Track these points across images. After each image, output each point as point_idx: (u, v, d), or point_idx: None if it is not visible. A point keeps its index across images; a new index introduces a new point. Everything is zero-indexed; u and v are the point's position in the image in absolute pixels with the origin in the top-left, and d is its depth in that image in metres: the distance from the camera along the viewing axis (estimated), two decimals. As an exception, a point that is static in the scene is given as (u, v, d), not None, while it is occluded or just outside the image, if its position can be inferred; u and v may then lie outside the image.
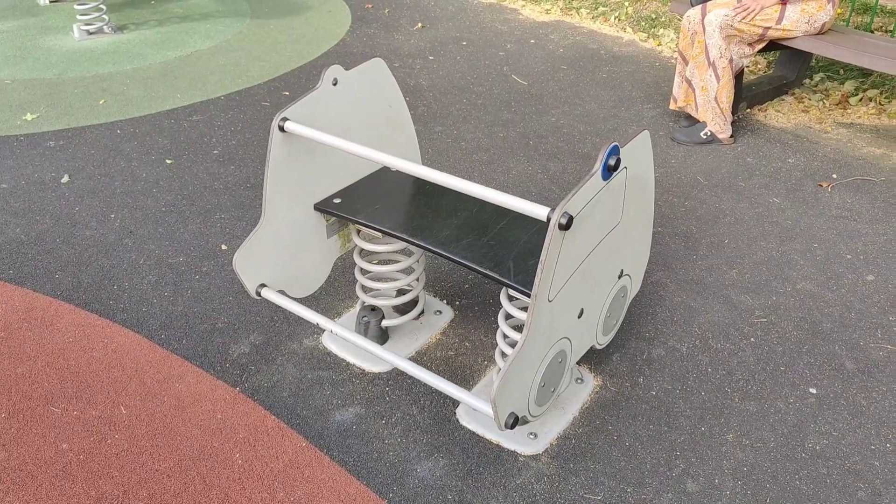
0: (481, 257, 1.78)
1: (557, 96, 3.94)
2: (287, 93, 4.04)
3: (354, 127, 2.04)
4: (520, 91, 4.02)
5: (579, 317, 1.73)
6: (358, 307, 2.29)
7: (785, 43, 3.26)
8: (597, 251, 1.69)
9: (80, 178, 3.22)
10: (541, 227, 1.88)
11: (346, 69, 1.97)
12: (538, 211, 1.46)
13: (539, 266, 1.47)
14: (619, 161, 1.56)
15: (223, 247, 2.73)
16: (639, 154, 1.69)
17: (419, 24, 5.08)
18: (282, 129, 1.83)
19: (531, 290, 1.62)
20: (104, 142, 3.53)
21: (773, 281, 2.47)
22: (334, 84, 1.94)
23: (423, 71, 4.30)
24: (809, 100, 3.75)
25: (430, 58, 4.50)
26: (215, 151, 3.43)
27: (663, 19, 4.77)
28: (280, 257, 2.00)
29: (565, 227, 1.44)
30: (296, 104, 1.85)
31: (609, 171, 1.55)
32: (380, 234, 1.95)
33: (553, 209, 1.45)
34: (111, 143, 3.52)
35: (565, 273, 1.57)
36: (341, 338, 2.03)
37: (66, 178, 3.22)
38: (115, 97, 3.99)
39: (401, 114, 2.18)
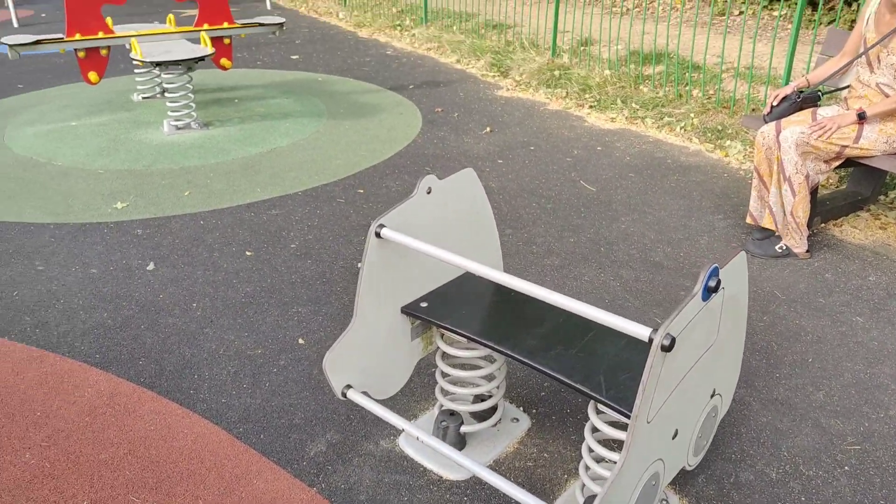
0: (570, 370, 1.78)
1: (626, 203, 3.98)
2: (361, 190, 4.18)
3: (443, 232, 2.09)
4: (588, 197, 4.08)
5: (674, 438, 1.69)
6: (435, 410, 2.28)
7: (862, 161, 3.27)
8: (693, 371, 1.67)
9: (165, 267, 3.35)
10: (630, 340, 1.87)
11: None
12: (639, 331, 1.46)
13: (640, 387, 1.46)
14: (718, 283, 1.56)
15: (300, 341, 2.77)
16: (736, 275, 1.69)
17: (488, 129, 5.26)
18: (378, 234, 1.89)
19: (625, 408, 1.60)
20: (188, 232, 3.69)
21: (864, 405, 2.38)
22: (428, 192, 2.01)
23: (493, 174, 4.42)
24: (886, 216, 3.71)
25: (500, 161, 4.63)
26: (293, 245, 3.54)
27: (730, 131, 4.84)
28: (366, 359, 2.02)
29: (668, 348, 1.43)
30: (392, 212, 1.92)
31: (709, 293, 1.55)
32: (465, 339, 1.97)
33: (655, 330, 1.45)
34: (195, 234, 3.67)
35: (664, 394, 1.55)
36: (420, 442, 2.02)
37: (151, 266, 3.36)
38: (199, 189, 4.19)
39: (487, 221, 2.24)
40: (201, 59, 4.75)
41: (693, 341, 1.60)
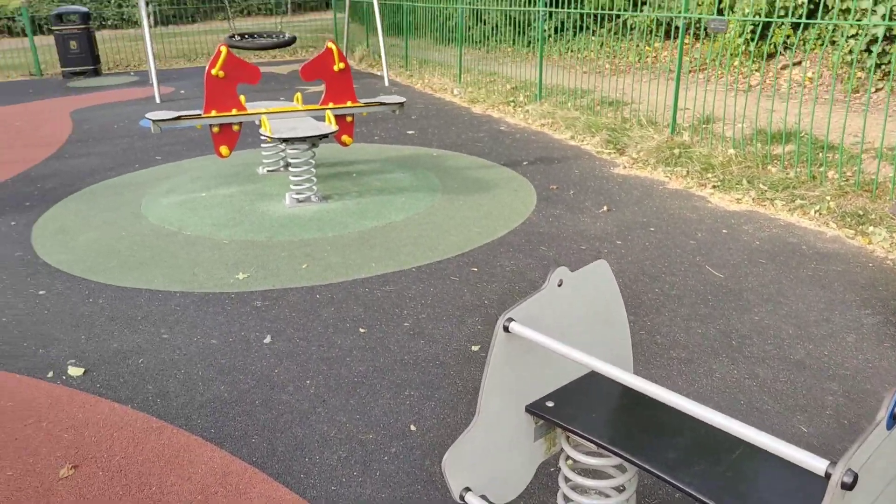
0: (719, 491, 1.58)
1: (758, 293, 3.71)
2: (475, 269, 4.12)
3: (572, 328, 1.97)
4: (716, 284, 3.83)
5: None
6: (556, 519, 2.11)
7: None
8: (872, 509, 1.44)
9: (281, 340, 3.37)
10: (786, 463, 1.65)
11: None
12: (813, 463, 1.27)
13: (815, 529, 1.26)
14: (905, 408, 1.34)
15: (412, 427, 2.68)
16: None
17: (605, 207, 5.12)
18: (507, 329, 1.79)
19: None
20: (304, 305, 3.72)
21: None
22: (559, 285, 1.90)
23: (612, 256, 4.25)
24: None
25: (618, 242, 4.47)
26: (406, 324, 3.50)
27: (873, 216, 4.48)
28: (487, 459, 1.90)
29: (849, 486, 1.23)
30: (521, 305, 1.82)
31: (894, 420, 1.34)
32: (595, 445, 1.81)
33: (832, 463, 1.25)
34: (310, 307, 3.70)
35: (840, 537, 1.33)
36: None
37: (268, 339, 3.39)
38: (316, 262, 4.26)
39: (619, 317, 2.09)
40: (325, 136, 4.92)
41: (875, 473, 1.38)
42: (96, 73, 13.56)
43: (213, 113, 5.22)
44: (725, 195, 5.25)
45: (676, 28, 11.07)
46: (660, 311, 3.55)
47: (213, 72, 5.13)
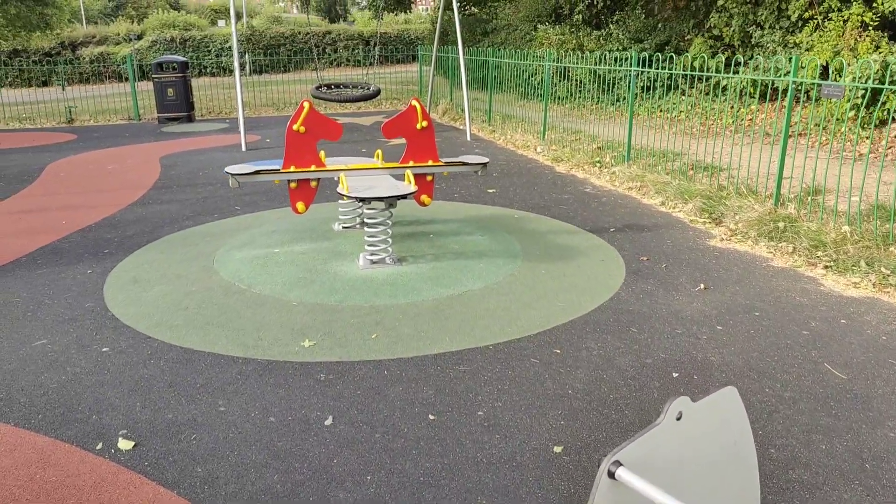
0: None
1: (892, 401, 3.19)
2: (558, 351, 3.75)
3: (691, 468, 1.59)
4: (838, 386, 3.34)
5: None
6: None
7: None
8: None
9: (343, 423, 3.08)
10: None
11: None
12: None
13: None
14: None
15: (483, 549, 2.32)
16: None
17: (701, 285, 4.67)
18: (612, 475, 1.43)
19: None
20: (371, 382, 3.44)
21: None
22: (678, 419, 1.53)
23: (711, 343, 3.81)
24: None
25: (719, 328, 4.02)
26: (480, 413, 3.16)
27: None
28: None
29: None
30: (631, 445, 1.46)
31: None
32: None
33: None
34: (377, 385, 3.41)
35: None
36: None
37: (329, 421, 3.11)
38: (387, 332, 3.99)
39: (748, 456, 1.70)
40: (403, 196, 4.70)
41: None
42: (189, 119, 14.02)
43: (292, 168, 5.11)
44: (840, 278, 4.72)
45: (774, 90, 10.53)
46: (772, 417, 3.08)
47: (295, 127, 5.03)
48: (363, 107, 16.04)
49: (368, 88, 12.40)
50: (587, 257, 5.26)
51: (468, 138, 11.37)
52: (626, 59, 8.95)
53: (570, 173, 8.59)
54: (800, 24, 9.55)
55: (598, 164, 8.67)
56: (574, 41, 14.54)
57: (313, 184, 5.20)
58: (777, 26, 9.69)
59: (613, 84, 13.72)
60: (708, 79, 10.99)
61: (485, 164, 5.50)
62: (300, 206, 5.19)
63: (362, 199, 4.68)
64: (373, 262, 4.98)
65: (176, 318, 4.23)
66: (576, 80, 14.19)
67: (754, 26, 10.23)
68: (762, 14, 9.83)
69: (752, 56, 10.49)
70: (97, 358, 3.76)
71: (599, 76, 13.82)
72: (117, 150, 10.84)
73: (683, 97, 12.16)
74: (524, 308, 4.31)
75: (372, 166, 5.32)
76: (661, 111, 11.94)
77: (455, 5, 11.81)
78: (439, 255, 5.23)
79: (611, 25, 14.65)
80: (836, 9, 8.64)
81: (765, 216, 5.82)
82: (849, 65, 8.56)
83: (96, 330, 4.11)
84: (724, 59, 7.91)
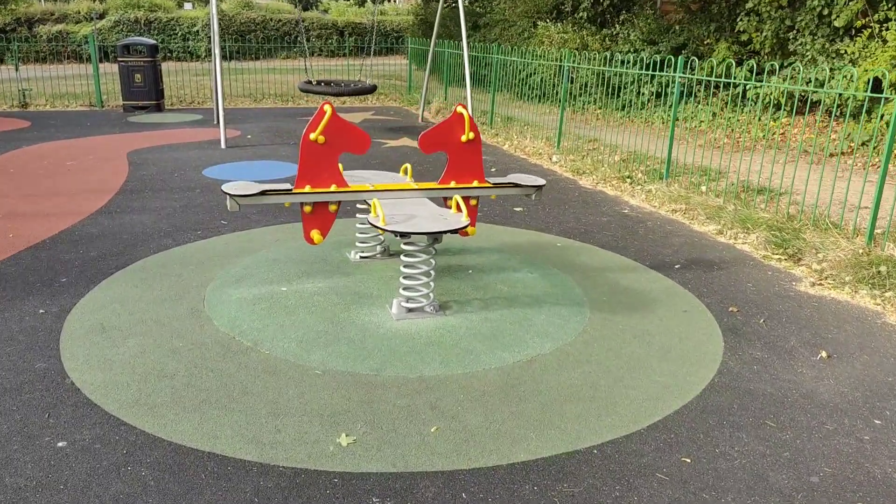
0: None
1: None
2: (687, 459, 2.79)
3: None
4: None
5: None
6: None
7: None
8: None
9: None
10: None
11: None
12: None
13: None
14: None
15: None
16: None
17: (822, 353, 3.76)
18: None
19: None
20: (447, 515, 2.43)
21: None
22: None
23: (881, 448, 2.89)
24: None
25: (876, 422, 3.10)
26: (619, 578, 2.17)
27: None
28: None
29: None
30: None
31: None
32: None
33: None
34: (458, 521, 2.40)
35: None
36: None
37: None
38: (448, 422, 2.98)
39: None
40: (455, 231, 3.69)
41: None
42: (159, 108, 12.74)
43: (307, 189, 4.05)
44: None
45: (814, 103, 9.62)
46: None
47: (312, 136, 3.97)
48: (347, 102, 14.91)
49: (364, 84, 11.31)
50: (665, 306, 4.31)
51: (471, 142, 10.35)
52: (661, 62, 8.08)
53: (598, 189, 7.65)
54: (842, 33, 8.76)
55: (628, 180, 7.75)
56: (578, 40, 13.62)
57: (332, 208, 4.15)
58: (818, 34, 8.88)
59: (619, 88, 12.84)
60: (735, 86, 10.16)
61: (540, 188, 4.51)
62: (315, 235, 4.14)
63: (402, 235, 3.66)
64: (409, 310, 3.96)
65: (159, 391, 3.16)
66: (581, 83, 13.29)
67: (792, 32, 9.41)
68: (802, 20, 9.01)
69: (783, 64, 9.69)
70: (49, 460, 2.68)
71: (606, 79, 12.94)
72: (78, 141, 9.56)
73: (701, 106, 11.33)
74: (616, 385, 3.33)
75: (405, 187, 4.28)
76: (681, 121, 11.07)
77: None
78: (488, 301, 4.22)
79: (617, 25, 13.77)
80: (894, 18, 7.85)
81: (859, 257, 4.95)
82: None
83: (49, 408, 3.02)
84: (754, 65, 7.03)
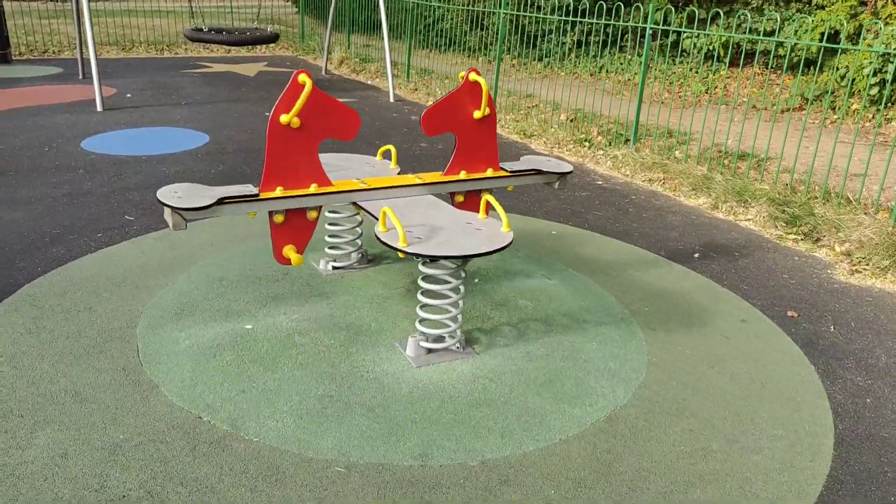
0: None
1: None
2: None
3: None
4: None
5: None
6: None
7: None
8: None
9: None
10: None
11: None
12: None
13: None
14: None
15: None
16: None
17: (925, 371, 3.17)
18: None
19: None
20: None
21: None
22: None
23: None
24: None
25: None
26: None
27: None
28: None
29: None
30: None
31: None
32: None
33: None
34: None
35: None
36: None
37: None
38: (553, 542, 2.09)
39: None
40: (499, 250, 2.72)
41: None
42: (5, 59, 10.61)
43: (279, 192, 2.93)
44: None
45: (752, 54, 9.16)
46: None
47: (285, 119, 2.84)
48: (233, 51, 13.20)
49: (265, 31, 9.81)
50: (718, 315, 3.58)
51: (391, 100, 9.24)
52: (634, 10, 7.30)
53: (556, 154, 6.84)
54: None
55: (586, 144, 6.99)
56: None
57: (312, 215, 3.06)
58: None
59: (537, 38, 12.03)
60: (666, 35, 9.58)
61: (564, 175, 3.60)
62: (291, 254, 3.04)
63: (433, 259, 2.66)
64: (428, 351, 2.98)
65: (106, 531, 2.05)
66: (491, 30, 12.34)
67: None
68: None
69: (727, 12, 9.17)
70: None
71: (521, 27, 12.07)
72: None
73: (629, 57, 10.72)
74: (732, 448, 2.56)
75: (405, 181, 3.25)
76: (612, 74, 10.41)
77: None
78: (519, 327, 3.31)
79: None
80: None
81: (890, 237, 4.43)
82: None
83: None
84: (695, 12, 6.41)
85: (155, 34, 13.76)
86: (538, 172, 3.52)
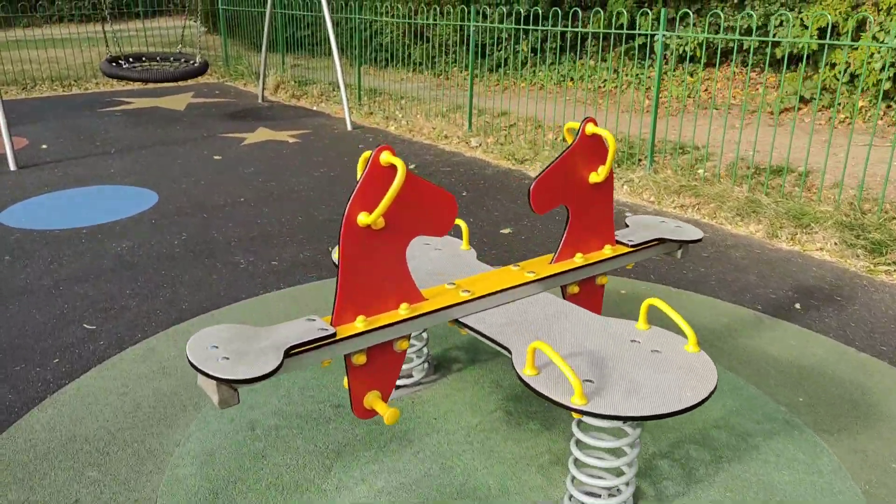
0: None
1: None
2: None
3: None
4: None
5: None
6: None
7: None
8: None
9: None
10: None
11: None
12: None
13: None
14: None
15: None
16: None
17: None
18: None
19: None
20: None
21: None
22: None
23: None
24: None
25: None
26: None
27: None
28: None
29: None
30: None
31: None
32: None
33: None
34: None
35: None
36: None
37: None
38: None
39: None
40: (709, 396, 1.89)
41: None
42: None
43: (360, 323, 2.00)
44: None
45: (730, 52, 8.49)
46: None
47: (366, 220, 1.92)
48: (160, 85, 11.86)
49: (191, 62, 8.65)
50: (889, 398, 2.86)
51: (349, 128, 8.27)
52: (642, 17, 6.57)
53: (564, 183, 6.06)
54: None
55: (592, 167, 6.24)
56: (427, -7, 11.77)
57: (402, 346, 2.14)
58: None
59: (485, 48, 11.28)
60: (636, 37, 9.00)
61: (684, 245, 2.80)
62: (376, 403, 2.11)
63: (628, 420, 1.80)
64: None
65: None
66: (437, 43, 11.52)
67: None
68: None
69: (689, 13, 8.65)
70: None
71: (468, 37, 11.28)
72: None
73: (591, 61, 10.11)
74: None
75: (515, 280, 2.36)
76: (577, 81, 9.76)
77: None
78: (679, 459, 2.48)
79: (469, -27, 12.08)
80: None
81: None
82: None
83: None
84: (663, 13, 5.83)
85: (59, 67, 12.25)
86: (661, 241, 2.70)
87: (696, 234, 2.74)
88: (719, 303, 3.74)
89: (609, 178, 2.51)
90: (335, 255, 2.57)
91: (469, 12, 7.72)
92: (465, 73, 11.42)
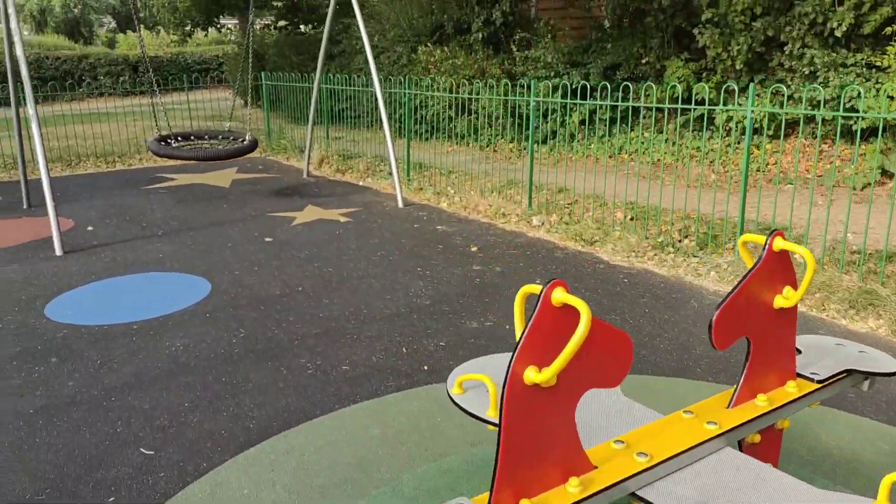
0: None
1: None
2: None
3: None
4: None
5: None
6: None
7: None
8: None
9: None
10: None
11: None
12: None
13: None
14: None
15: None
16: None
17: None
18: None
19: None
20: None
21: None
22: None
23: None
24: None
25: None
26: None
27: None
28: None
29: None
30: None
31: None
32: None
33: None
34: None
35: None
36: None
37: None
38: None
39: None
40: None
41: None
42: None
43: (530, 509, 1.54)
44: None
45: (797, 124, 8.10)
46: None
47: (535, 378, 1.48)
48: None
49: (241, 140, 8.47)
50: None
51: (400, 205, 7.95)
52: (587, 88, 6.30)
53: (638, 267, 5.63)
54: (844, 41, 7.51)
55: (670, 250, 5.81)
56: (475, 66, 11.65)
57: (569, 528, 1.67)
58: (813, 45, 7.57)
59: (526, 118, 11.03)
60: (695, 109, 8.67)
61: (873, 376, 2.32)
62: None
63: None
64: None
65: None
66: (483, 114, 11.31)
67: (773, 44, 8.05)
68: (791, 30, 7.65)
69: (762, 80, 8.34)
70: None
71: (512, 109, 11.07)
72: None
73: (645, 132, 9.79)
74: None
75: (697, 436, 1.90)
76: (628, 154, 9.41)
77: (358, 11, 8.30)
78: None
79: (512, 47, 11.99)
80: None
81: None
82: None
83: None
84: (733, 86, 5.47)
85: (103, 143, 12.22)
86: (851, 373, 2.23)
87: (891, 364, 2.26)
88: (867, 421, 3.22)
89: (793, 308, 2.06)
90: (451, 388, 2.13)
91: (525, 85, 7.45)
92: (511, 144, 11.17)
